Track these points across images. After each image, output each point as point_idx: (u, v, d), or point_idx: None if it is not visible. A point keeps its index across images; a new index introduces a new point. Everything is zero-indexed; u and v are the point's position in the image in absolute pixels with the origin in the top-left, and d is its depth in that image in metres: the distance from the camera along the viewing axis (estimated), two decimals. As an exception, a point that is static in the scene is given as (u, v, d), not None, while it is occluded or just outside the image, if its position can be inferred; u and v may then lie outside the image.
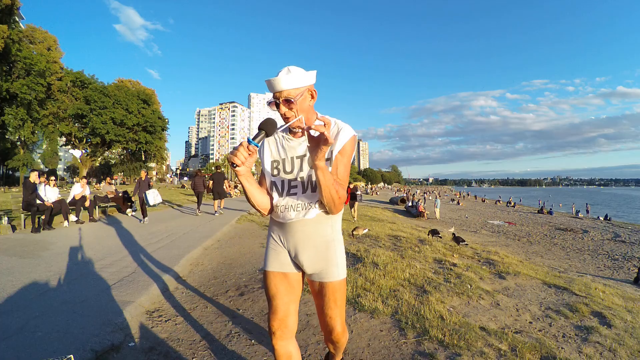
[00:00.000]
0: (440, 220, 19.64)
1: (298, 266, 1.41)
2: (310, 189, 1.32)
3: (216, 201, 10.39)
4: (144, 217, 8.02)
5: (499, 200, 45.11)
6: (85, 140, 39.11)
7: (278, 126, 1.20)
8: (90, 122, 35.56)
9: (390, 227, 9.67)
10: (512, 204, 37.31)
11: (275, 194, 1.37)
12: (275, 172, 1.38)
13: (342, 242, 1.44)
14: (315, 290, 1.42)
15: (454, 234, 7.31)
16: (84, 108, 35.02)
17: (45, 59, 29.25)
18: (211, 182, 10.79)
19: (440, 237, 7.25)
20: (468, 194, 63.27)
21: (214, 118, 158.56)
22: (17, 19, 29.49)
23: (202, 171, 12.98)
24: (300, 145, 1.34)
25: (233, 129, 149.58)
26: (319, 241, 1.35)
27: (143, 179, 8.46)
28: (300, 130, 1.32)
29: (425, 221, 18.19)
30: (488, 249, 6.90)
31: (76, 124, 37.55)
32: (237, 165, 1.12)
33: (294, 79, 1.21)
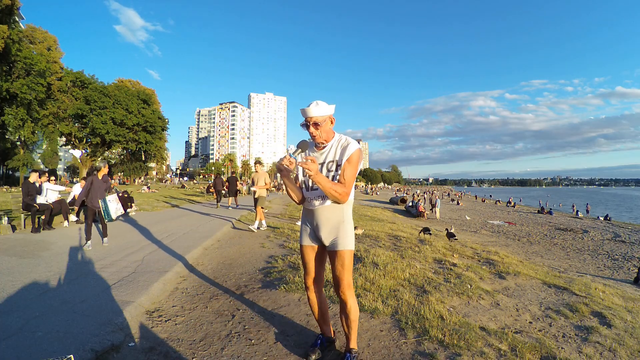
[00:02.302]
0: (440, 220, 19.63)
1: (320, 240, 1.97)
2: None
3: (231, 198, 13.33)
4: (103, 237, 5.47)
5: (498, 201, 45.11)
6: (85, 140, 39.11)
7: (308, 145, 1.91)
8: (90, 122, 35.57)
9: (390, 227, 9.67)
10: (512, 204, 37.29)
11: (304, 190, 1.99)
12: (304, 173, 1.95)
13: (352, 223, 1.97)
14: (330, 257, 1.95)
15: (447, 229, 7.62)
16: (84, 108, 35.02)
17: (45, 59, 29.27)
18: (227, 183, 13.69)
19: (430, 234, 7.61)
20: (463, 194, 63.22)
21: (214, 118, 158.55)
22: (17, 19, 29.49)
23: (219, 174, 15.94)
24: (321, 155, 1.93)
25: (233, 129, 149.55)
26: (334, 221, 1.91)
27: (99, 177, 5.38)
28: (321, 145, 1.91)
29: (425, 221, 18.18)
30: (488, 249, 6.90)
31: (76, 124, 37.55)
32: (282, 171, 1.76)
33: (320, 109, 1.81)
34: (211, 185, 22.36)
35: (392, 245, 6.09)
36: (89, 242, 5.15)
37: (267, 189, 7.74)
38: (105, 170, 5.51)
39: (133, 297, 3.01)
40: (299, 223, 8.98)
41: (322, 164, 1.91)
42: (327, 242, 1.94)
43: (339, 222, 1.91)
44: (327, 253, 1.98)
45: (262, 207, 7.63)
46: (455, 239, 7.00)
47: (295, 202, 2.01)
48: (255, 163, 8.35)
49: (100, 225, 5.51)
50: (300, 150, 1.83)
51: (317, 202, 1.91)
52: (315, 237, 1.99)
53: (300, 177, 2.01)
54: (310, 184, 1.94)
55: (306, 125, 1.84)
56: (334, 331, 2.23)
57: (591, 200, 52.38)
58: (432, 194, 27.90)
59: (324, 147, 1.91)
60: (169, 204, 13.83)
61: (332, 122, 1.89)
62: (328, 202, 1.88)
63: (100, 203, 5.29)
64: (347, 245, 1.90)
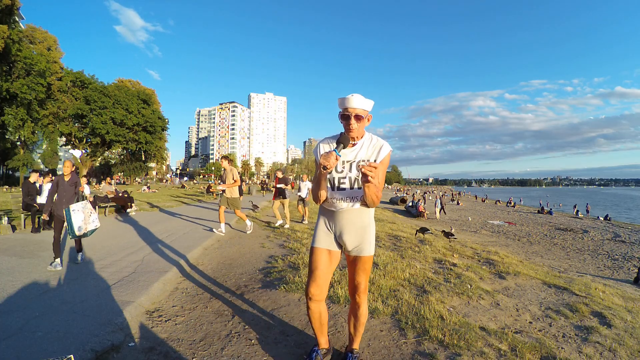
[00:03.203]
0: (440, 220, 19.63)
1: (340, 245, 1.86)
2: (357, 186, 1.75)
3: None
4: (78, 252, 4.31)
5: (498, 200, 45.12)
6: (85, 140, 39.10)
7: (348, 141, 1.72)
8: (90, 122, 35.56)
9: (390, 227, 9.66)
10: (512, 204, 37.29)
11: (329, 189, 1.81)
12: (330, 171, 1.76)
13: (374, 227, 1.87)
14: (351, 261, 1.86)
15: (443, 230, 7.65)
16: (84, 108, 35.01)
17: (45, 59, 29.25)
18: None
19: (431, 233, 7.60)
20: (463, 193, 63.28)
21: (214, 118, 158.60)
22: (17, 19, 29.48)
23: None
24: (351, 152, 1.77)
25: (233, 129, 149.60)
26: (359, 225, 1.79)
27: (66, 178, 4.21)
28: (352, 142, 1.77)
29: (425, 221, 18.18)
30: (488, 249, 6.90)
31: (76, 124, 37.55)
32: (327, 168, 1.58)
33: (364, 102, 1.68)
34: (211, 185, 22.52)
35: (392, 245, 6.09)
36: (57, 260, 3.95)
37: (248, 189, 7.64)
38: (69, 168, 4.16)
39: (133, 297, 3.01)
40: (304, 222, 8.79)
41: (351, 162, 1.77)
42: (350, 247, 1.81)
43: (365, 226, 1.80)
44: (349, 258, 1.87)
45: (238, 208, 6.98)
46: (455, 239, 7.03)
47: (318, 202, 1.84)
48: (222, 158, 7.08)
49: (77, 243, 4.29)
50: (342, 146, 1.67)
51: (344, 204, 1.77)
52: (336, 241, 1.85)
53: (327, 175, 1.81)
54: (337, 184, 1.78)
55: (345, 116, 1.69)
56: (329, 341, 2.10)
57: (591, 200, 52.38)
58: (442, 196, 27.29)
59: (355, 145, 1.78)
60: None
61: (368, 121, 1.77)
62: (357, 204, 1.77)
63: (64, 213, 3.99)
64: (372, 250, 1.83)
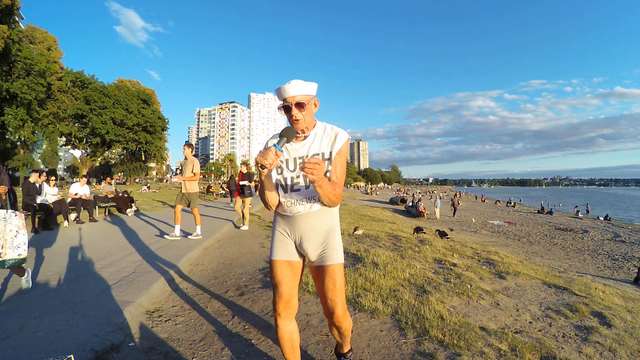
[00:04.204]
0: (440, 221, 19.63)
1: (301, 254, 1.61)
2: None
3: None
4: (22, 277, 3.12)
5: (498, 200, 45.10)
6: (85, 140, 39.13)
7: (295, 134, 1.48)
8: (90, 122, 35.60)
9: (390, 227, 9.66)
10: (512, 204, 37.28)
11: (281, 191, 1.55)
12: (279, 170, 1.55)
13: (339, 230, 1.61)
14: (316, 274, 1.59)
15: (437, 230, 7.73)
16: (84, 108, 35.04)
17: (45, 59, 29.28)
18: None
19: (425, 233, 7.70)
20: (461, 194, 63.32)
21: (214, 118, 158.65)
22: (17, 19, 29.48)
23: (234, 175, 16.40)
24: (303, 147, 1.53)
25: (233, 129, 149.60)
26: (322, 229, 1.55)
27: None
28: (302, 135, 1.53)
29: (425, 221, 18.18)
30: (488, 249, 6.90)
31: (76, 124, 37.58)
32: (265, 167, 1.33)
33: (304, 87, 1.44)
34: (212, 185, 22.62)
35: (392, 245, 6.09)
36: (24, 278, 3.09)
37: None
38: None
39: (133, 297, 3.01)
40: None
41: (303, 158, 1.52)
42: (313, 257, 1.56)
43: (328, 230, 1.56)
44: (314, 270, 1.60)
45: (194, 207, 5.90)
46: (448, 238, 7.12)
47: (269, 207, 1.56)
48: (184, 145, 5.92)
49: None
50: (286, 140, 1.43)
51: (301, 207, 1.51)
52: (297, 250, 1.60)
53: (275, 176, 1.56)
54: (290, 184, 1.53)
55: (286, 107, 1.46)
56: None
57: (591, 200, 52.35)
58: (455, 197, 25.78)
59: (307, 137, 1.53)
60: (169, 204, 13.82)
61: (315, 106, 1.53)
62: (316, 206, 1.51)
63: None
64: (339, 257, 1.55)
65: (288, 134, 1.44)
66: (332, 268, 1.52)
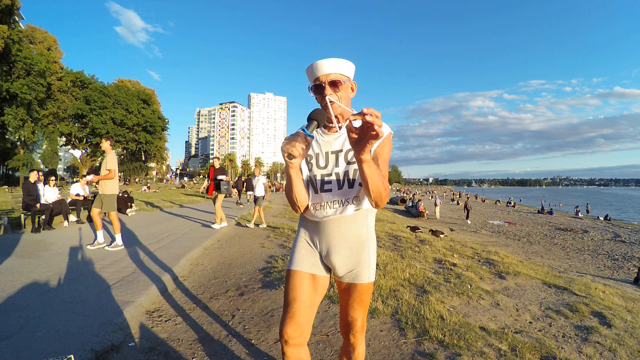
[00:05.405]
0: (440, 220, 19.63)
1: (327, 268, 1.36)
2: (347, 185, 1.26)
3: (249, 193, 15.78)
4: None
5: (498, 201, 45.12)
6: (85, 140, 39.13)
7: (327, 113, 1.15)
8: (90, 122, 35.61)
9: (390, 227, 9.66)
10: (512, 204, 37.29)
11: (311, 191, 1.31)
12: (309, 167, 1.32)
13: (375, 243, 1.37)
14: (342, 289, 1.36)
15: (431, 229, 7.88)
16: (84, 108, 35.05)
17: (45, 59, 29.29)
18: (245, 183, 16.42)
19: (421, 232, 7.78)
20: (461, 194, 63.30)
21: (214, 118, 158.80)
22: (17, 19, 29.51)
23: (241, 176, 18.23)
24: (336, 140, 1.28)
25: (233, 129, 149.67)
26: (353, 242, 1.30)
27: None
28: (334, 125, 1.21)
29: (425, 221, 18.19)
30: (488, 249, 6.91)
31: (76, 124, 37.59)
32: (294, 157, 1.06)
33: (341, 65, 1.19)
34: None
35: (392, 245, 6.09)
36: None
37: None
38: None
39: (133, 297, 3.01)
40: (249, 226, 7.42)
41: (336, 153, 1.28)
42: (341, 271, 1.31)
43: (361, 241, 1.30)
44: (340, 285, 1.36)
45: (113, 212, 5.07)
46: (445, 235, 7.31)
47: (297, 209, 1.30)
48: (102, 137, 4.99)
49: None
50: (316, 124, 1.09)
51: (330, 210, 1.26)
52: (322, 262, 1.34)
53: (306, 172, 1.32)
54: (319, 183, 1.28)
55: (317, 87, 1.20)
56: None
57: (591, 200, 52.36)
58: (468, 198, 23.30)
59: (341, 128, 1.25)
60: (170, 203, 13.83)
61: (352, 90, 1.28)
62: (349, 209, 1.25)
63: None
64: (371, 276, 1.32)
65: (319, 117, 1.10)
66: (363, 288, 1.31)
